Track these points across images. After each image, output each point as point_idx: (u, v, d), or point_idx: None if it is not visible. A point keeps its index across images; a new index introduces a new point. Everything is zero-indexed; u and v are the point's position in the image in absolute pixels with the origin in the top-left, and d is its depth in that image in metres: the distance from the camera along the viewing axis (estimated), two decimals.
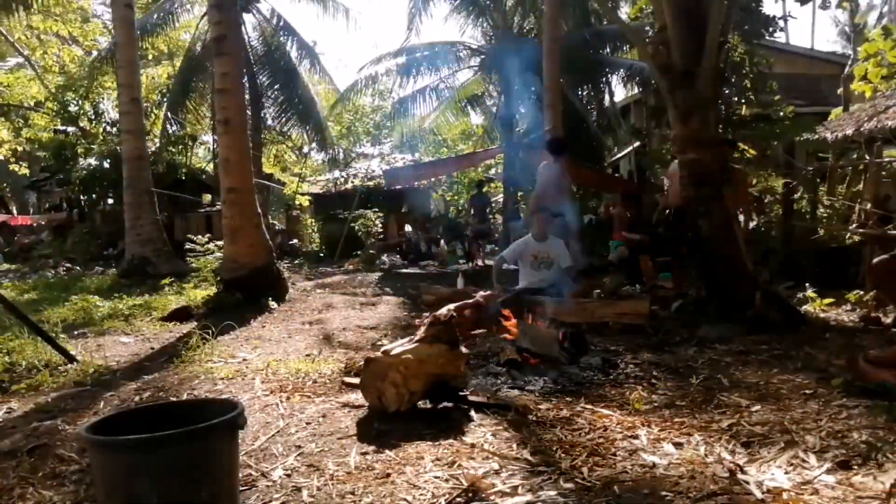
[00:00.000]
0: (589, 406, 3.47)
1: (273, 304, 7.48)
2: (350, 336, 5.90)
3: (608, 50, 18.03)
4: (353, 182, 20.77)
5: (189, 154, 20.92)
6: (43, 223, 21.73)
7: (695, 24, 5.22)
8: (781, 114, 11.89)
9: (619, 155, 22.59)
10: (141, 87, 12.49)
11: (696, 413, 3.32)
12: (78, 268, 13.76)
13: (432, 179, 20.27)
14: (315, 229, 20.71)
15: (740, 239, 5.43)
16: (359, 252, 16.00)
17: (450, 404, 3.53)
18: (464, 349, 3.87)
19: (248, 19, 19.94)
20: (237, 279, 7.58)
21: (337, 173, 22.11)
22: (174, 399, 3.76)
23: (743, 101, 11.79)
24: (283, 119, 20.46)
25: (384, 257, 15.49)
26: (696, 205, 5.36)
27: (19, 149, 21.33)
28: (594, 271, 11.21)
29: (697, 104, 5.21)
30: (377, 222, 17.28)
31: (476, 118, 22.21)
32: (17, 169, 20.49)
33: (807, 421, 3.06)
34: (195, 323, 6.37)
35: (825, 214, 10.23)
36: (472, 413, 3.38)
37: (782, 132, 11.09)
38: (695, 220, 5.41)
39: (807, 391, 3.57)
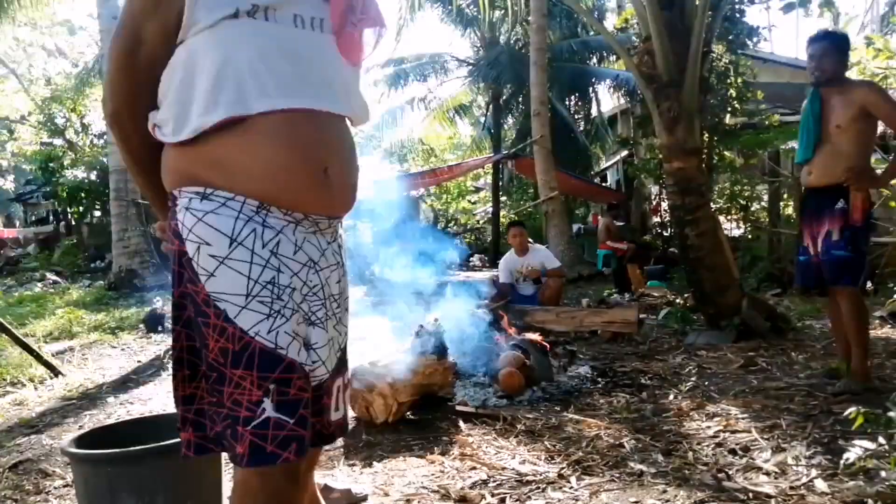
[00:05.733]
0: (577, 415, 3.48)
1: None
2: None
3: (595, 60, 18.18)
4: None
5: None
6: (30, 236, 21.57)
7: (679, 34, 5.27)
8: (767, 122, 12.03)
9: (607, 164, 22.71)
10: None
11: (683, 421, 3.32)
12: (65, 281, 13.66)
13: (422, 190, 20.29)
14: None
15: (727, 247, 5.47)
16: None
17: (438, 415, 3.53)
18: (451, 359, 3.87)
19: None
20: None
21: None
22: (160, 412, 3.73)
23: (729, 109, 11.91)
24: None
25: (374, 268, 15.32)
26: (681, 213, 5.39)
27: (4, 163, 21.15)
28: (582, 280, 11.28)
29: (682, 113, 5.26)
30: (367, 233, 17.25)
31: (464, 128, 22.32)
32: (1, 183, 20.28)
33: (793, 428, 3.07)
34: None
35: None
36: (461, 423, 3.37)
37: (768, 140, 11.20)
38: (681, 229, 5.44)
39: (793, 398, 3.59)
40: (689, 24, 5.22)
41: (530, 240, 6.94)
